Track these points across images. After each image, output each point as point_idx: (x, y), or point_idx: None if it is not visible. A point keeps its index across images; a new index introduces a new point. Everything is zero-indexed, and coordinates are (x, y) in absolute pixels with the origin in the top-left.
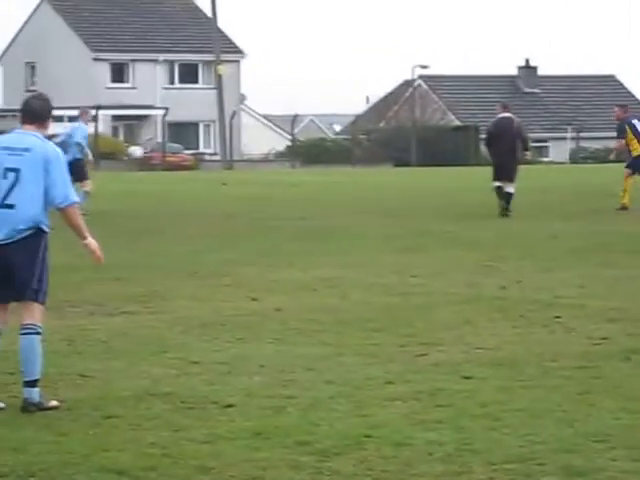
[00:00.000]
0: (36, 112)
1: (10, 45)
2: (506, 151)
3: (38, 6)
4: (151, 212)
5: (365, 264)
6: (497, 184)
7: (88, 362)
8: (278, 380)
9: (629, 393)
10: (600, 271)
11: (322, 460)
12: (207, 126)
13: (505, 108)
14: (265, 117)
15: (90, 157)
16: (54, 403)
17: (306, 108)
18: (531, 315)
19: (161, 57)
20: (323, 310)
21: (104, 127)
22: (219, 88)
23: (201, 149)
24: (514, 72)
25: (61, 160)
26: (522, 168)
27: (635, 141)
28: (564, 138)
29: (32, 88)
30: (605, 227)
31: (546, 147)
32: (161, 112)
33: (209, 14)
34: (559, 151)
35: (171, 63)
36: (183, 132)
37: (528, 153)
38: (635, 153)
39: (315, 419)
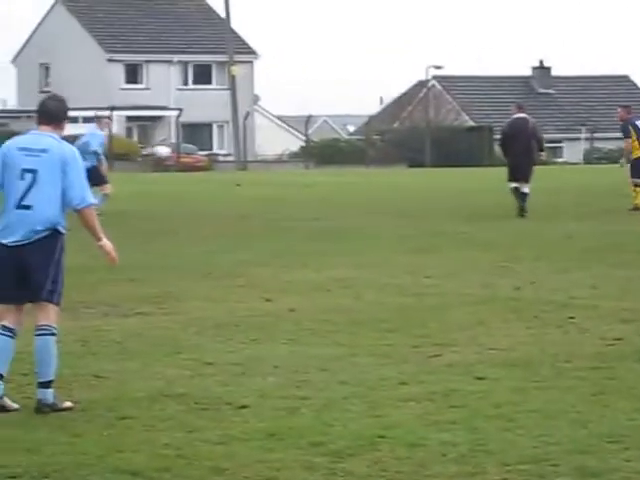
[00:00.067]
0: (52, 113)
1: (24, 46)
2: (521, 152)
3: (52, 7)
4: (165, 213)
5: (379, 265)
6: (514, 185)
7: (102, 363)
8: (292, 381)
9: None
10: (613, 271)
11: (336, 461)
12: (221, 127)
13: (520, 109)
14: (279, 118)
15: (105, 164)
16: (68, 404)
17: (320, 109)
18: (545, 316)
19: (175, 58)
20: (337, 311)
21: (118, 128)
22: (233, 89)
23: (215, 150)
24: (528, 72)
25: (78, 161)
26: (536, 169)
27: (637, 143)
28: (578, 139)
29: (46, 89)
30: (617, 227)
31: (560, 148)
32: (175, 113)
33: (222, 15)
34: (573, 152)
35: (185, 64)
36: (197, 133)
37: (543, 154)
38: (635, 155)
39: (329, 420)
